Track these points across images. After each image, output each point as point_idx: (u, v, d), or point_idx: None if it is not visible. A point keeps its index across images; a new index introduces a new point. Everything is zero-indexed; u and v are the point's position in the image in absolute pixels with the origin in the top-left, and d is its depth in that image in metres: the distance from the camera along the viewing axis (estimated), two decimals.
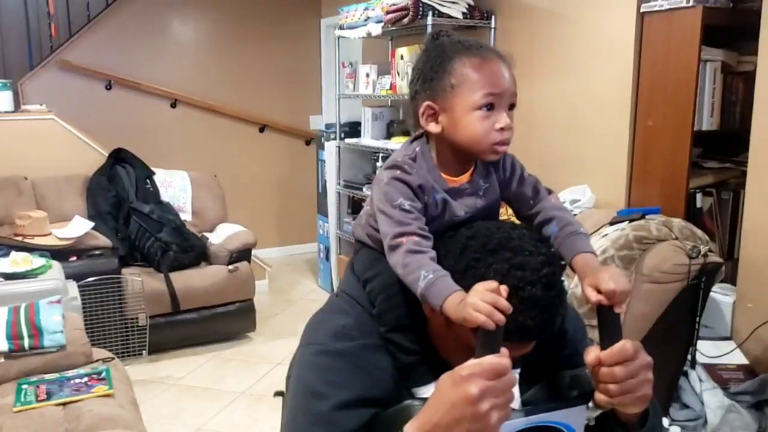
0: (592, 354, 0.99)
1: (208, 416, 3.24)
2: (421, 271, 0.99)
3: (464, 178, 1.12)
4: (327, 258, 5.18)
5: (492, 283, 0.92)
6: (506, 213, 1.27)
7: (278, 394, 1.31)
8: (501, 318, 0.90)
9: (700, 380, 2.63)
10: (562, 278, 1.03)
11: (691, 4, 2.78)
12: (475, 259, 1.00)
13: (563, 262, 1.08)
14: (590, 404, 1.03)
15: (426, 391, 1.08)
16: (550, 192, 1.18)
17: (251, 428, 3.14)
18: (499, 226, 1.06)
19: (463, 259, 1.01)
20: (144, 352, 3.77)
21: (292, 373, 1.15)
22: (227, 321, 4.10)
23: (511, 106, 1.07)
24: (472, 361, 0.91)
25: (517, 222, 1.16)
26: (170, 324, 3.90)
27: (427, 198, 1.08)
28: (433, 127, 1.08)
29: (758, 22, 2.57)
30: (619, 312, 0.99)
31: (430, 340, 1.10)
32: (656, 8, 2.92)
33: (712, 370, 2.67)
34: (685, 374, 2.68)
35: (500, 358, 0.90)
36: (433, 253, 1.03)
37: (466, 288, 0.96)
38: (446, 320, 1.00)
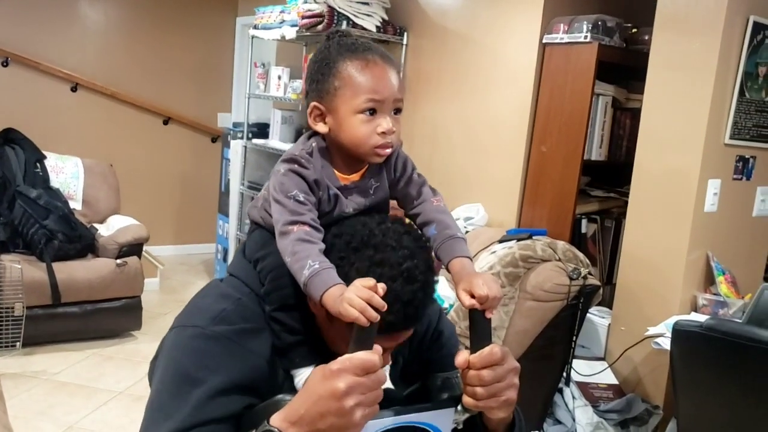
0: (461, 356, 1.02)
1: (81, 414, 3.10)
2: (308, 260, 1.00)
3: (356, 176, 1.14)
4: (224, 259, 5.09)
5: (369, 280, 0.94)
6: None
7: None
8: (374, 315, 0.92)
9: (573, 397, 2.76)
10: (431, 270, 1.05)
11: (588, 40, 2.93)
12: (340, 258, 1.03)
13: (438, 261, 1.11)
14: (459, 407, 1.06)
15: (304, 373, 1.09)
16: (435, 193, 1.19)
17: (126, 429, 3.02)
18: (364, 222, 1.08)
19: (329, 257, 1.03)
20: (18, 344, 3.56)
21: (161, 354, 1.12)
22: (111, 317, 3.92)
23: (397, 111, 1.10)
24: (343, 357, 0.92)
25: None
26: (49, 316, 3.70)
27: (322, 193, 1.10)
28: (321, 127, 1.11)
29: (647, 64, 2.75)
30: (490, 317, 1.03)
31: (315, 322, 1.10)
32: (557, 41, 3.06)
33: (584, 388, 2.80)
34: (560, 391, 2.80)
35: (371, 355, 0.92)
36: (322, 246, 1.03)
37: None
38: (327, 314, 1.01)
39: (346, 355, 0.92)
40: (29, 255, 3.74)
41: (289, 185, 1.07)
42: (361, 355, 0.92)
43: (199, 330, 1.07)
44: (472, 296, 1.02)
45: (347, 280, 0.99)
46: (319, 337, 1.10)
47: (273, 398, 1.05)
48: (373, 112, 1.07)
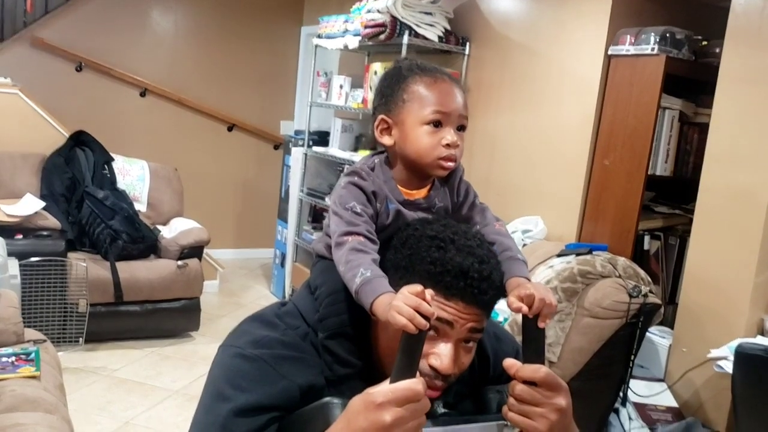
0: (510, 360, 1.01)
1: (137, 411, 3.18)
2: (360, 268, 1.01)
3: (421, 193, 1.16)
4: (282, 265, 5.15)
5: (417, 287, 0.92)
6: None
7: None
8: (422, 322, 0.90)
9: (630, 418, 2.68)
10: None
11: (655, 52, 2.86)
12: (415, 228, 1.06)
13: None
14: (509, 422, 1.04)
15: None
16: (498, 220, 1.21)
17: (180, 427, 3.09)
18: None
19: (404, 232, 1.07)
20: (81, 339, 3.69)
21: (209, 370, 1.15)
22: (170, 317, 4.03)
23: (461, 127, 1.13)
24: (385, 387, 0.91)
25: None
26: (111, 314, 3.82)
27: (380, 206, 1.12)
28: (387, 140, 1.15)
29: (716, 78, 2.66)
30: (542, 327, 1.01)
31: (370, 352, 1.09)
32: (623, 52, 3.00)
33: (642, 409, 2.71)
34: (616, 411, 2.72)
35: (414, 384, 0.91)
36: (376, 256, 1.04)
37: (406, 258, 1.02)
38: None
39: (390, 387, 0.90)
40: (95, 254, 3.88)
41: (347, 197, 1.10)
42: (405, 386, 0.90)
43: (239, 350, 1.08)
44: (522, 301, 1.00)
45: (421, 240, 1.03)
46: (372, 369, 1.09)
47: (320, 401, 1.04)
48: (438, 124, 1.11)
